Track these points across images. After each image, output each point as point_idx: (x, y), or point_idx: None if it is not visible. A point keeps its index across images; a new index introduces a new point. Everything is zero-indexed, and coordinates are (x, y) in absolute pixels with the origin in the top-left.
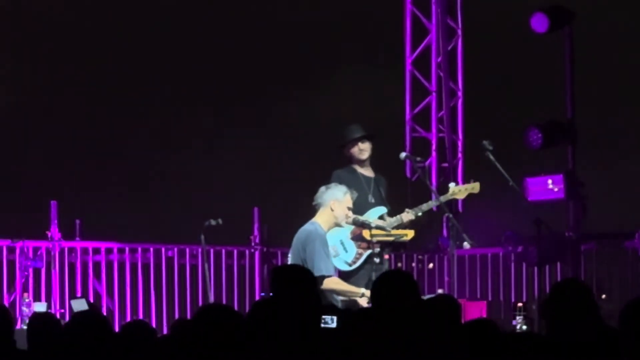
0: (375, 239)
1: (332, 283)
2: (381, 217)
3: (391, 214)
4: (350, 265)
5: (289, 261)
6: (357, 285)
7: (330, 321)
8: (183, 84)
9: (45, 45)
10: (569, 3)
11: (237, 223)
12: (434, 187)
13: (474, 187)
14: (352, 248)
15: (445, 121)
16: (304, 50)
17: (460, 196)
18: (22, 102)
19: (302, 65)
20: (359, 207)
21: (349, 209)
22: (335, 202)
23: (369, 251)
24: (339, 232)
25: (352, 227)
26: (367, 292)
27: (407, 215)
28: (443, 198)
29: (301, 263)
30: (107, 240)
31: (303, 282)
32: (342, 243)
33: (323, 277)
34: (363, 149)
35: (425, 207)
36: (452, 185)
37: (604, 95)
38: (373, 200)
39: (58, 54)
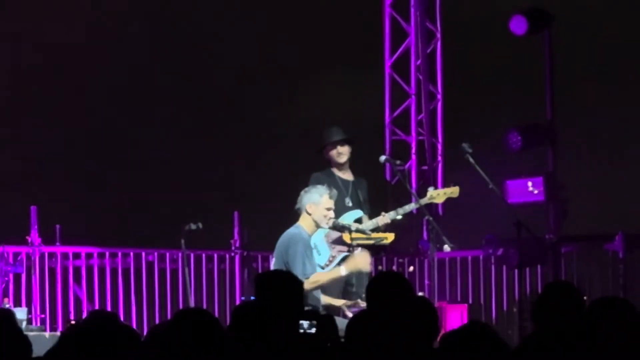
0: (355, 242)
1: (315, 277)
2: (357, 221)
3: (371, 216)
4: (323, 268)
5: (272, 264)
6: (334, 287)
7: (309, 327)
8: (162, 86)
9: (22, 52)
10: (548, 5)
11: (217, 227)
12: (413, 190)
13: (453, 191)
14: (325, 251)
15: (424, 124)
16: (284, 54)
17: (439, 200)
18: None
19: (282, 68)
20: (336, 210)
21: (328, 209)
22: (311, 205)
23: (342, 254)
24: (313, 236)
25: (326, 230)
26: (343, 269)
27: (383, 219)
28: (421, 202)
29: (284, 266)
30: (87, 245)
31: (288, 289)
32: (315, 246)
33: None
34: (342, 152)
35: (401, 210)
36: (430, 189)
37: (583, 97)
38: (350, 204)
39: (36, 59)
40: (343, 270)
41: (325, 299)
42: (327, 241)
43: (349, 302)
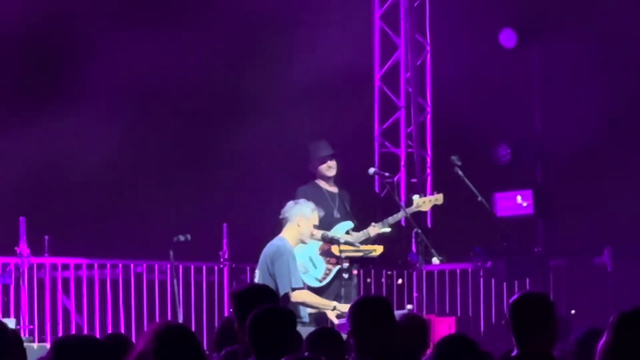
0: (344, 255)
1: (303, 295)
2: (347, 232)
3: (357, 228)
4: (320, 281)
5: (256, 276)
6: (326, 299)
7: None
8: (152, 99)
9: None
10: (537, 19)
11: (206, 239)
12: (402, 203)
13: (438, 198)
14: (321, 264)
15: (414, 137)
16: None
17: (425, 208)
18: None
19: (270, 81)
20: (326, 223)
21: (314, 226)
22: (302, 218)
23: (338, 267)
24: (308, 249)
25: (321, 243)
26: (339, 306)
27: (374, 229)
28: (408, 211)
29: (270, 277)
30: (76, 256)
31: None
32: (311, 259)
33: (293, 290)
34: (332, 166)
35: (391, 220)
36: (415, 197)
37: (572, 111)
38: (339, 216)
39: (26, 70)
40: (335, 312)
41: (316, 299)
42: (320, 254)
43: (341, 307)
